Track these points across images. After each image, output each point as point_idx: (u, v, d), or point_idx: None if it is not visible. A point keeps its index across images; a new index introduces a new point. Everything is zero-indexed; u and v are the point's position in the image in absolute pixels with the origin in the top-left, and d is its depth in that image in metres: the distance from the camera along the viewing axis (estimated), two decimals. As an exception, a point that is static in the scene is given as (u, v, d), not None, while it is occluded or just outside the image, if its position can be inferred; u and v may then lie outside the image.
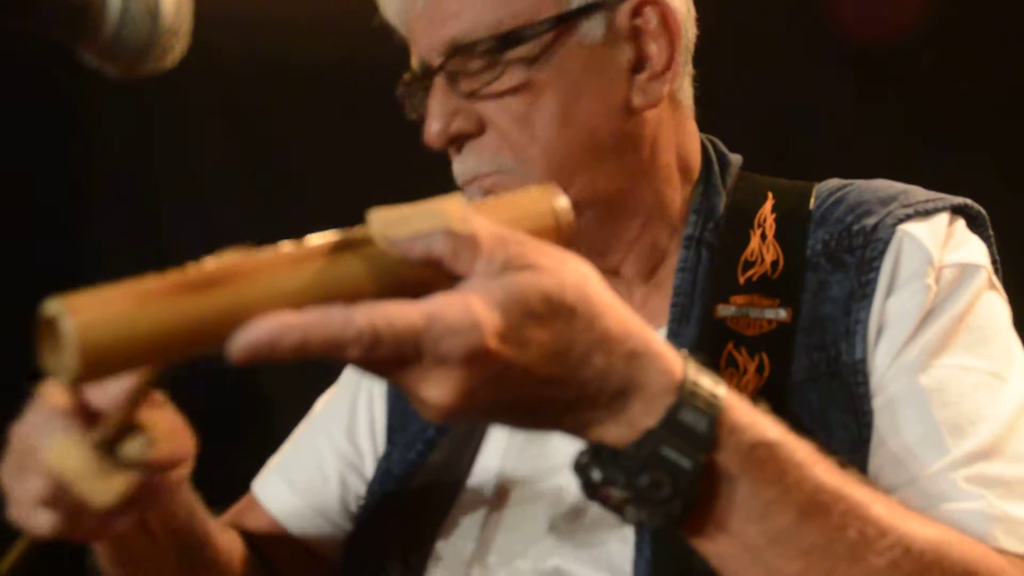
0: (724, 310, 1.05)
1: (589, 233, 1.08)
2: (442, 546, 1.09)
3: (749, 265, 1.07)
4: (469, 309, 0.65)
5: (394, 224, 0.68)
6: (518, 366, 0.67)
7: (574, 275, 0.70)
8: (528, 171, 1.04)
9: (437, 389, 0.66)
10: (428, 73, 1.07)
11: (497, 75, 1.03)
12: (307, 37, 2.47)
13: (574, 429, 0.73)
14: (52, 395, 0.79)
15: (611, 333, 0.70)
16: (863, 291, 1.01)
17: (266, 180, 2.75)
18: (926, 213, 1.05)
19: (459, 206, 0.69)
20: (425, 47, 1.07)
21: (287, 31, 2.49)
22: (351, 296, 0.65)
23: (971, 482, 0.92)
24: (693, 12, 1.14)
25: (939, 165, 1.74)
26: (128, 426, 0.75)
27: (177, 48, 0.69)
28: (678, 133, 1.13)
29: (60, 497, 0.78)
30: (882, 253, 1.02)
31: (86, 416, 0.78)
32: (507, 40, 1.02)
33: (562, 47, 1.04)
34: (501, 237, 0.69)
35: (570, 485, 1.05)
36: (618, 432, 0.72)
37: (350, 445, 1.24)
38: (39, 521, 0.81)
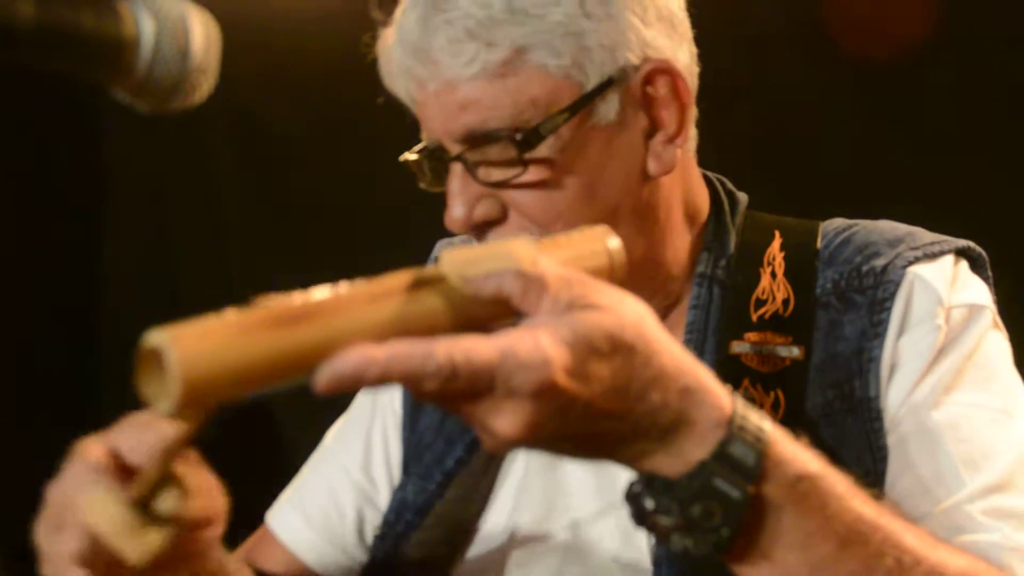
0: (739, 347, 1.07)
1: None
2: None
3: (761, 303, 1.09)
4: (540, 345, 0.68)
5: (467, 264, 0.72)
6: (581, 400, 0.70)
7: (632, 314, 0.73)
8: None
9: (505, 421, 0.69)
10: (443, 156, 1.06)
11: (519, 169, 1.02)
12: (328, 67, 2.51)
13: (627, 460, 0.76)
14: (88, 452, 0.81)
15: (666, 370, 0.74)
16: (876, 330, 1.04)
17: (283, 213, 2.79)
18: (933, 256, 1.08)
19: (528, 247, 0.73)
20: (440, 131, 1.05)
21: (308, 62, 2.53)
22: (427, 330, 0.69)
23: (987, 515, 0.95)
24: (695, 52, 1.14)
25: (939, 172, 1.74)
26: (163, 481, 0.76)
27: (205, 85, 0.72)
28: (685, 182, 1.14)
29: (96, 555, 0.80)
30: (894, 294, 1.05)
31: (122, 472, 0.79)
32: (527, 136, 1.01)
33: (581, 133, 1.03)
34: (566, 278, 0.72)
35: (585, 523, 1.08)
36: (670, 463, 0.75)
37: (365, 477, 1.25)
38: None
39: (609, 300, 0.73)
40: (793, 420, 0.99)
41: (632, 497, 0.76)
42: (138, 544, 0.74)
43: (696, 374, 0.76)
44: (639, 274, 1.08)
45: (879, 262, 1.07)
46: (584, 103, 1.02)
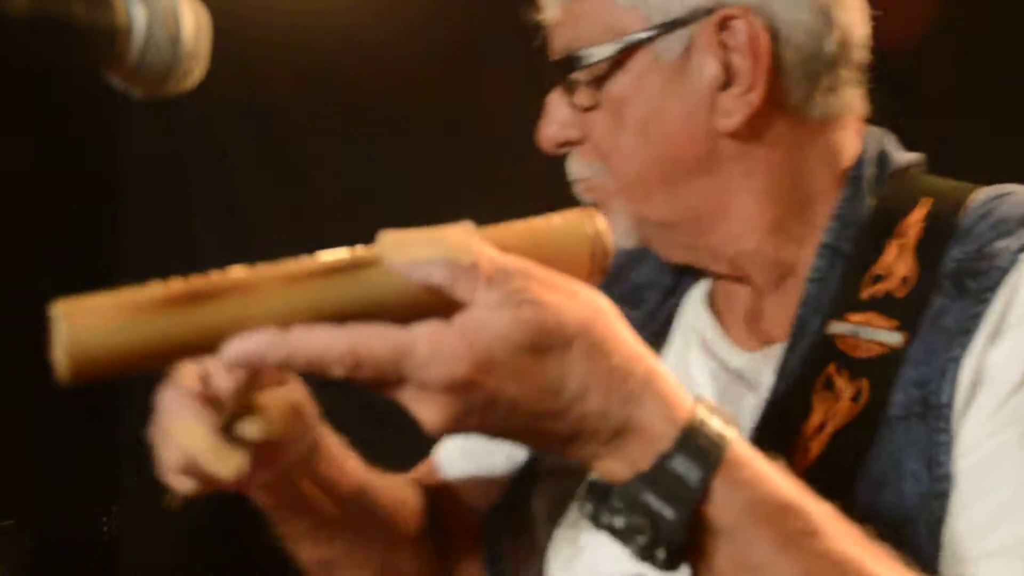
0: (837, 327, 0.97)
1: (687, 245, 1.06)
2: (559, 529, 1.11)
3: (877, 279, 0.98)
4: (450, 339, 0.67)
5: (399, 248, 0.70)
6: (504, 398, 0.69)
7: (579, 311, 0.70)
8: (614, 181, 1.04)
9: (424, 411, 0.69)
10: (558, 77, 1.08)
11: (583, 91, 1.03)
12: (339, 47, 2.54)
13: (581, 459, 0.73)
14: (183, 377, 0.86)
15: (612, 372, 0.71)
16: (967, 326, 0.90)
17: (296, 189, 2.82)
18: None
19: (464, 234, 0.71)
20: (553, 53, 1.08)
21: (320, 43, 2.56)
22: (345, 315, 0.69)
23: None
24: (838, 18, 1.03)
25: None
26: (246, 409, 0.83)
27: (196, 71, 0.74)
28: (804, 148, 1.04)
29: (192, 467, 0.85)
30: (997, 285, 0.90)
31: (209, 399, 0.84)
32: (580, 58, 1.02)
33: (641, 67, 1.02)
34: (504, 269, 0.70)
35: None
36: (619, 469, 0.72)
37: None
38: (178, 484, 0.88)
39: (553, 296, 0.70)
40: (870, 417, 0.92)
41: (579, 498, 0.75)
42: (222, 464, 0.81)
43: (649, 378, 0.72)
44: (713, 226, 1.04)
45: (1001, 243, 0.93)
46: (645, 37, 1.01)
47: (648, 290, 1.14)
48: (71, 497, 3.53)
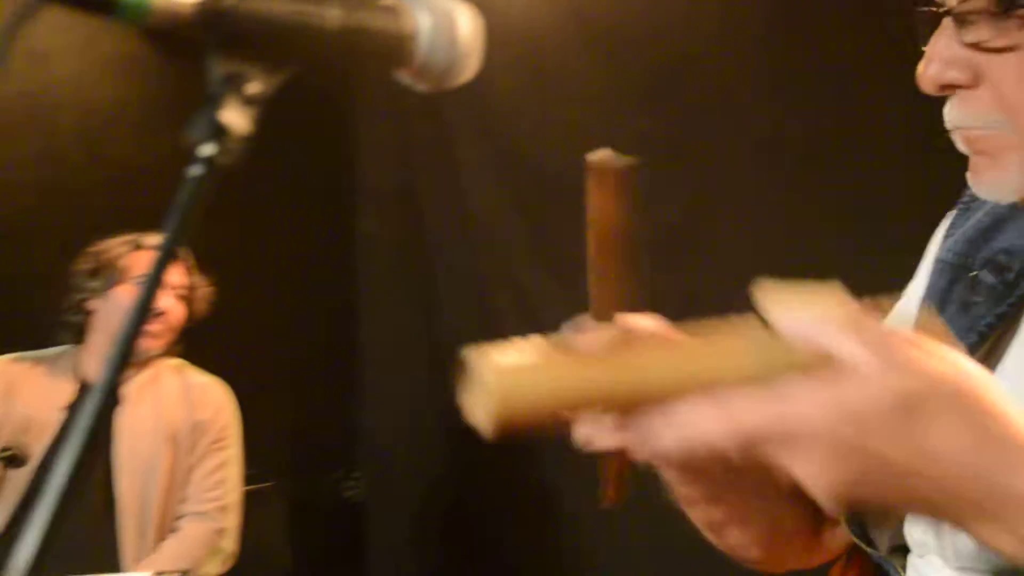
0: None
1: None
2: None
3: None
4: (822, 403, 0.70)
5: (780, 307, 0.74)
6: (876, 460, 0.71)
7: (953, 377, 0.71)
8: (1017, 135, 0.96)
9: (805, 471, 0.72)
10: (938, 10, 0.97)
11: (1003, 30, 0.93)
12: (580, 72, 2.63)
13: (961, 526, 0.74)
14: None
15: (986, 439, 0.71)
16: None
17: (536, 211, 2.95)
18: None
19: (843, 297, 0.74)
20: None
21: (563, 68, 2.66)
22: (743, 378, 0.72)
23: None
24: None
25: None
26: None
27: (472, 66, 0.87)
28: None
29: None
30: None
31: None
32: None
33: None
34: (881, 332, 0.72)
35: None
36: (1006, 541, 0.72)
37: None
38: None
39: (928, 361, 0.71)
40: None
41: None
42: None
43: None
44: None
45: None
46: None
47: (1012, 257, 1.06)
48: (321, 463, 3.81)
